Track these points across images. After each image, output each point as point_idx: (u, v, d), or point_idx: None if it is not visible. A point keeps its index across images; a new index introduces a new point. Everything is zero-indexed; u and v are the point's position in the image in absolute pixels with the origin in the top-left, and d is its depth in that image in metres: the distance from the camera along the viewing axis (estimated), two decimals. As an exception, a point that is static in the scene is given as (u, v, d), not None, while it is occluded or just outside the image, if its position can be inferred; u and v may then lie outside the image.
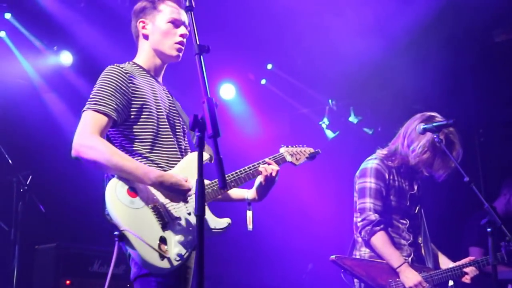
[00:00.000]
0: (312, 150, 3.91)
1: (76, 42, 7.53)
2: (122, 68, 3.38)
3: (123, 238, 3.03)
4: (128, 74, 3.35)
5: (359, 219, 4.34)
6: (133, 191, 3.18)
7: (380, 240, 4.25)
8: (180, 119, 3.62)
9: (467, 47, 7.27)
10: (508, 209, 6.38)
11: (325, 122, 8.65)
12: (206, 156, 3.50)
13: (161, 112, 3.45)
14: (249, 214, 3.64)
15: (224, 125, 8.55)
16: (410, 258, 4.34)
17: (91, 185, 7.79)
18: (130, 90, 3.32)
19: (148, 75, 3.52)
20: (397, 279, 4.21)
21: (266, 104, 8.93)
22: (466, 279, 4.33)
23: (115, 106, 3.25)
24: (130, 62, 3.55)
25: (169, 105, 3.57)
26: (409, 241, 4.39)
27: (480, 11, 6.61)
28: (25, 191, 6.43)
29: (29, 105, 7.43)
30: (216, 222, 3.41)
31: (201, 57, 2.72)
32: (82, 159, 3.18)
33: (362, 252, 4.39)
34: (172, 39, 3.51)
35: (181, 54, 3.59)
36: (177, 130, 3.54)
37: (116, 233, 3.04)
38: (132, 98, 3.32)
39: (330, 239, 8.10)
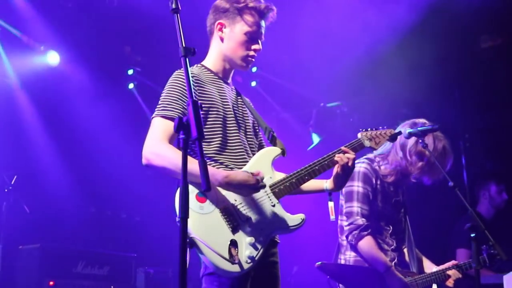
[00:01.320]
0: (392, 131, 3.81)
1: (63, 42, 7.50)
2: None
3: (193, 244, 3.03)
4: (194, 77, 3.36)
5: (346, 223, 4.34)
6: (202, 195, 3.16)
7: (367, 244, 4.25)
8: (251, 118, 3.65)
9: (453, 53, 7.31)
10: (494, 204, 6.48)
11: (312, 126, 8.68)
12: (277, 151, 3.51)
13: (230, 113, 3.46)
14: (331, 204, 3.57)
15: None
16: (393, 263, 4.35)
17: (76, 186, 7.81)
18: (197, 93, 3.32)
19: (216, 77, 3.52)
20: (383, 284, 4.22)
21: (253, 106, 8.92)
22: (450, 282, 4.35)
23: (183, 110, 3.25)
24: (199, 65, 3.55)
25: (239, 106, 3.59)
26: (392, 247, 4.41)
27: (467, 18, 6.66)
28: (9, 191, 6.40)
29: (14, 104, 7.38)
30: (290, 219, 3.37)
31: (187, 59, 2.72)
32: (152, 167, 3.18)
33: (347, 256, 4.39)
34: (245, 51, 3.50)
35: (249, 66, 3.61)
36: (247, 130, 3.56)
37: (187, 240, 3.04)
38: (199, 101, 3.29)
39: (315, 241, 8.12)
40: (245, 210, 3.23)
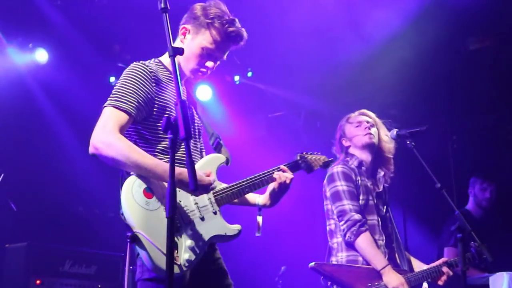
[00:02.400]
0: (326, 158, 3.91)
1: (52, 40, 7.47)
2: (147, 66, 3.32)
3: (135, 239, 3.01)
4: (152, 74, 3.31)
5: (342, 222, 4.36)
6: (150, 191, 3.13)
7: (365, 241, 4.28)
8: (198, 120, 3.62)
9: (441, 54, 7.34)
10: (478, 202, 6.53)
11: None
12: (222, 158, 3.52)
13: None
14: (259, 219, 3.65)
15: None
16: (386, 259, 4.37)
17: (63, 184, 7.79)
18: (153, 89, 3.28)
19: (171, 77, 3.46)
20: (376, 283, 4.22)
21: (242, 106, 8.94)
22: (441, 280, 4.36)
23: (137, 104, 3.19)
24: (156, 60, 3.50)
25: (189, 108, 3.54)
26: (384, 241, 4.43)
27: (455, 20, 6.68)
28: (-4, 189, 6.37)
29: (1, 102, 7.35)
30: (228, 229, 3.38)
31: (175, 59, 2.73)
32: (100, 156, 3.11)
33: (339, 257, 4.41)
34: (196, 65, 3.45)
35: (198, 79, 3.58)
36: (194, 133, 3.52)
37: (128, 234, 3.02)
38: (155, 98, 3.28)
39: (303, 242, 8.13)
40: (188, 212, 3.22)
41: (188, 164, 2.54)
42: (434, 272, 4.35)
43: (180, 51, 2.73)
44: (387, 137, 4.62)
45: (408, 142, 4.26)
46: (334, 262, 4.41)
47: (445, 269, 4.35)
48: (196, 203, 3.26)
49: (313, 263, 4.26)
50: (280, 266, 7.82)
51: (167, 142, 3.21)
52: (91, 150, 3.13)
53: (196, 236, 3.19)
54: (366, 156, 4.61)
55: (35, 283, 5.95)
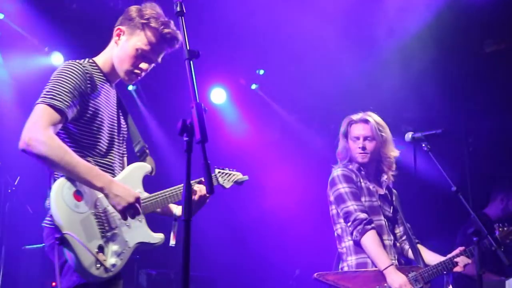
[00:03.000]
0: (240, 176, 3.93)
1: (67, 43, 7.51)
2: (83, 67, 3.30)
3: (63, 241, 2.98)
4: (87, 74, 3.29)
5: (349, 223, 4.36)
6: (79, 194, 3.12)
7: (370, 239, 4.27)
8: (124, 125, 3.59)
9: (457, 57, 7.31)
10: (507, 213, 6.38)
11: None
12: (148, 167, 3.53)
13: (112, 118, 3.43)
14: (175, 230, 3.62)
15: (215, 130, 8.57)
16: (396, 261, 4.36)
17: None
18: (87, 91, 3.26)
19: (104, 79, 3.44)
20: (384, 284, 4.20)
21: (257, 109, 8.94)
22: (459, 268, 4.32)
23: (71, 103, 3.17)
24: (90, 61, 3.46)
25: (118, 113, 3.54)
26: (392, 242, 4.41)
27: (471, 22, 6.66)
28: (13, 192, 6.41)
29: (17, 104, 7.39)
30: (151, 237, 3.42)
31: (191, 62, 2.72)
32: (31, 153, 3.09)
33: (349, 261, 4.39)
34: (131, 66, 3.43)
35: (132, 81, 3.54)
36: (119, 139, 3.51)
37: (57, 235, 2.99)
38: (88, 100, 3.26)
39: (318, 245, 8.11)
40: (115, 219, 3.23)
41: (204, 167, 2.54)
42: (449, 264, 4.31)
43: (195, 54, 2.72)
44: (388, 143, 4.61)
45: (423, 145, 4.25)
46: (345, 267, 4.40)
47: (460, 258, 4.31)
48: None
49: (316, 274, 4.27)
50: (295, 269, 7.82)
51: (96, 146, 3.27)
52: (21, 145, 3.11)
53: (122, 242, 3.24)
54: (365, 164, 4.61)
55: (51, 285, 5.97)
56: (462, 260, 4.32)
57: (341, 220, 4.46)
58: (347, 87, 7.75)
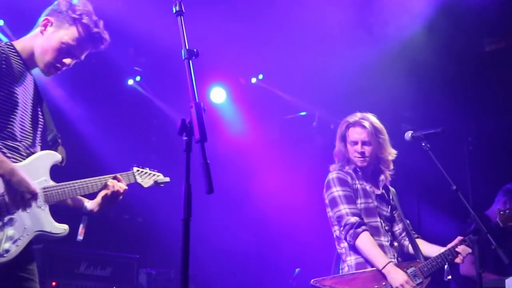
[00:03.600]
0: (161, 177, 3.92)
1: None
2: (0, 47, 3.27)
3: None
4: (4, 55, 3.24)
5: (341, 228, 4.36)
6: None
7: (364, 241, 4.26)
8: (40, 113, 3.54)
9: (457, 56, 7.30)
10: None
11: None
12: (57, 157, 3.50)
13: (25, 103, 3.37)
14: (83, 224, 3.61)
15: (214, 129, 8.57)
16: (395, 260, 4.35)
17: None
18: (2, 71, 3.21)
19: (22, 64, 3.38)
20: (383, 283, 4.20)
21: (256, 108, 8.94)
22: (459, 258, 4.30)
23: None
24: (9, 43, 3.41)
25: (34, 98, 3.47)
26: (389, 242, 4.41)
27: (471, 21, 6.65)
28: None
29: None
30: (53, 226, 3.37)
31: (190, 61, 2.72)
32: None
33: (349, 261, 4.39)
34: (53, 59, 3.40)
35: (50, 74, 3.49)
36: (34, 124, 3.45)
37: None
38: (2, 80, 3.21)
39: (318, 244, 8.11)
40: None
41: (203, 166, 2.54)
42: (449, 255, 4.28)
43: (195, 54, 2.72)
44: (385, 146, 4.60)
45: (423, 144, 4.24)
46: (345, 268, 4.40)
47: (460, 248, 4.29)
48: None
49: (312, 281, 4.26)
50: (295, 268, 7.82)
51: (9, 127, 3.21)
52: None
53: (20, 228, 3.19)
54: (363, 167, 4.59)
55: (51, 284, 5.98)
56: (463, 250, 4.29)
57: (336, 222, 4.47)
58: (348, 85, 7.74)
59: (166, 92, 8.56)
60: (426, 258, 4.37)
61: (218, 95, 8.75)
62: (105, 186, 3.55)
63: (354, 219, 4.29)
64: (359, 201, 4.43)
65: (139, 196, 7.96)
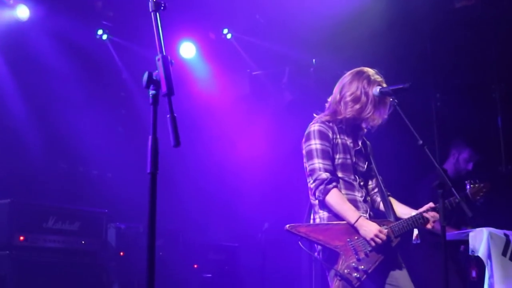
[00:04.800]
0: None
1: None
2: None
3: None
4: None
5: (311, 181, 4.36)
6: None
7: (334, 197, 4.26)
8: None
9: (427, 12, 7.31)
10: (457, 168, 6.55)
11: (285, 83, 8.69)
12: None
13: None
14: None
15: (184, 84, 8.52)
16: (367, 214, 4.37)
17: (47, 142, 7.76)
18: None
19: None
20: (355, 237, 4.23)
21: (226, 64, 8.89)
22: (429, 224, 4.35)
23: None
24: None
25: None
26: (363, 198, 4.43)
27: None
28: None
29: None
30: None
31: (157, 14, 2.69)
32: None
33: (321, 214, 4.39)
34: None
35: None
36: None
37: None
38: None
39: (286, 198, 8.19)
40: None
41: (170, 120, 2.53)
42: (419, 218, 4.33)
43: (162, 6, 2.68)
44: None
45: (391, 99, 4.24)
46: (317, 219, 4.41)
47: (430, 214, 4.34)
48: None
49: (287, 226, 4.26)
50: (264, 223, 7.91)
51: None
52: None
53: None
54: (351, 120, 4.54)
55: (19, 239, 5.96)
56: (433, 216, 4.35)
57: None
58: (314, 41, 7.72)
59: (134, 50, 8.45)
60: (396, 218, 4.41)
61: (187, 50, 8.67)
62: None
63: (325, 175, 4.28)
64: (337, 156, 4.40)
65: (109, 150, 7.98)
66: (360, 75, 4.48)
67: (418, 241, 4.42)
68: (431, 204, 4.36)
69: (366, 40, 7.38)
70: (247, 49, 8.73)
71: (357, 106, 4.40)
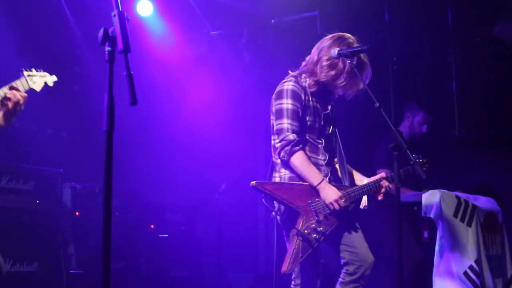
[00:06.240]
0: (48, 77, 3.97)
1: None
2: None
3: None
4: None
5: (277, 140, 4.36)
6: None
7: (299, 159, 4.29)
8: None
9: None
10: (412, 131, 6.64)
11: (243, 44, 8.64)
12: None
13: None
14: None
15: (141, 42, 8.40)
16: (327, 178, 4.42)
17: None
18: None
19: None
20: (316, 199, 4.28)
21: (184, 23, 8.79)
22: (380, 194, 4.45)
23: None
24: None
25: None
26: (326, 161, 4.47)
27: None
28: None
29: None
30: None
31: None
32: None
33: (282, 173, 4.42)
34: None
35: None
36: None
37: None
38: None
39: (243, 159, 8.21)
40: None
41: (127, 77, 2.49)
42: (374, 186, 4.43)
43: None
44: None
45: (348, 61, 4.25)
46: (277, 178, 4.44)
47: (383, 183, 4.44)
48: None
49: (254, 182, 4.27)
50: (220, 184, 7.92)
51: None
52: None
53: None
54: (325, 84, 4.53)
55: None
56: (386, 185, 4.45)
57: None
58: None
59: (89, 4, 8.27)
60: (352, 185, 4.49)
61: (144, 8, 8.53)
62: (6, 98, 3.48)
63: (292, 136, 4.29)
64: (307, 118, 4.41)
65: (64, 109, 7.86)
66: (340, 41, 4.42)
67: (367, 208, 4.50)
68: (382, 174, 4.46)
69: (326, 3, 7.36)
70: (205, 8, 8.63)
71: (332, 72, 4.38)
